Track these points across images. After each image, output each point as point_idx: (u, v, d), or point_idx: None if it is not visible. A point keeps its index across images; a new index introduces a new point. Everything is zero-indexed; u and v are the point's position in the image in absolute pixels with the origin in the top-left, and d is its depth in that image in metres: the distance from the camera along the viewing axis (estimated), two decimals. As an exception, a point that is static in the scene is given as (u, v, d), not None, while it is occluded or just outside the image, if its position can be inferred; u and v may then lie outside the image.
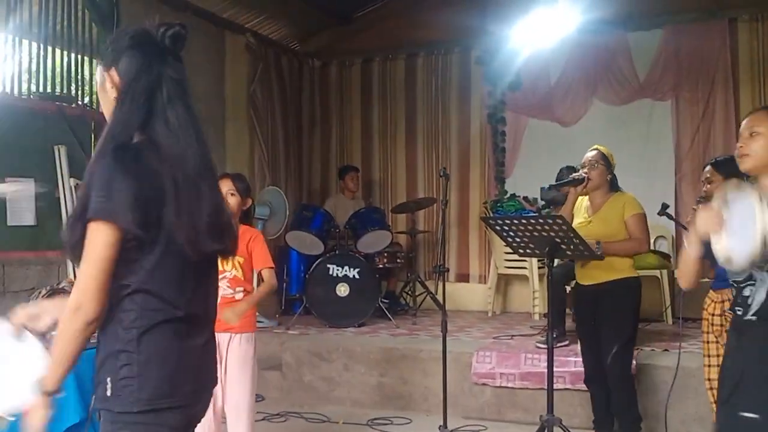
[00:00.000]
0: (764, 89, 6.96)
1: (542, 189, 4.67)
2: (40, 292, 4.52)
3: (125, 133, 1.83)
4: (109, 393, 1.81)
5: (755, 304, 2.40)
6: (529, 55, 7.15)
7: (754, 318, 2.40)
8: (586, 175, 4.14)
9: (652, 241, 6.87)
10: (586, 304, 4.25)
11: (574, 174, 4.26)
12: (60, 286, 4.62)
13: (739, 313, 2.45)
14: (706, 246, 2.38)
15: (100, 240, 1.73)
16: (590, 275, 4.15)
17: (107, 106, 1.91)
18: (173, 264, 1.84)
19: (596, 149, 4.22)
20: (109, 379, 1.81)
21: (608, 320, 4.10)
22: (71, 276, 5.02)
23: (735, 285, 2.50)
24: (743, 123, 2.50)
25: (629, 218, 4.09)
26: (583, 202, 4.32)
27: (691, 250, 2.45)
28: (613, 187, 4.24)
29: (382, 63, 8.54)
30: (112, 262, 1.75)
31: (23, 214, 5.05)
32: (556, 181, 5.23)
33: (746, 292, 2.42)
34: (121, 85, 1.87)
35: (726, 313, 3.61)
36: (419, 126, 8.35)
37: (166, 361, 1.84)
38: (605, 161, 4.18)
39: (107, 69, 1.91)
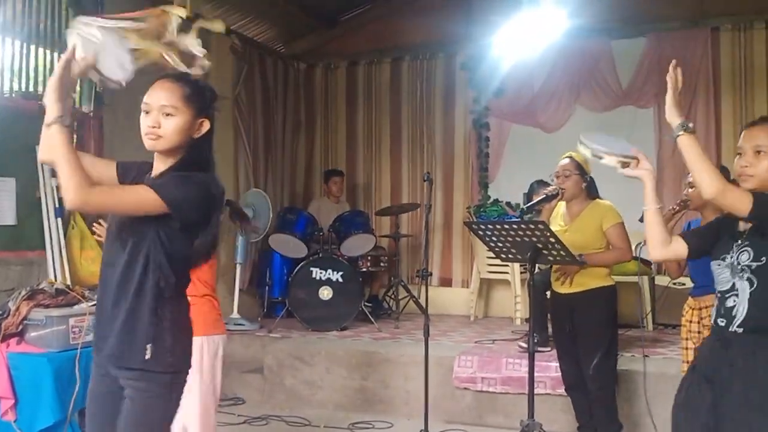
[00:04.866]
0: (745, 98, 7.03)
1: (520, 212, 4.66)
2: (20, 293, 4.47)
3: None
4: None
5: (740, 316, 2.36)
6: (513, 62, 7.17)
7: (739, 330, 2.36)
8: (560, 190, 4.09)
9: (632, 247, 6.99)
10: (562, 312, 4.21)
11: (546, 190, 4.22)
12: (40, 287, 4.57)
13: (722, 324, 2.40)
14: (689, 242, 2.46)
15: None
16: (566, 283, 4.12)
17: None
18: None
19: (569, 157, 4.11)
20: None
21: (586, 330, 4.07)
22: (51, 277, 4.97)
23: (719, 295, 2.45)
24: (744, 135, 2.38)
25: (609, 229, 4.05)
26: (560, 208, 4.26)
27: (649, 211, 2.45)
28: (591, 193, 4.17)
29: (368, 66, 8.55)
30: None
31: (3, 214, 4.99)
32: (527, 197, 5.21)
33: (730, 302, 2.38)
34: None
35: (703, 321, 3.63)
36: (404, 130, 8.36)
37: None
38: (579, 169, 4.08)
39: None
